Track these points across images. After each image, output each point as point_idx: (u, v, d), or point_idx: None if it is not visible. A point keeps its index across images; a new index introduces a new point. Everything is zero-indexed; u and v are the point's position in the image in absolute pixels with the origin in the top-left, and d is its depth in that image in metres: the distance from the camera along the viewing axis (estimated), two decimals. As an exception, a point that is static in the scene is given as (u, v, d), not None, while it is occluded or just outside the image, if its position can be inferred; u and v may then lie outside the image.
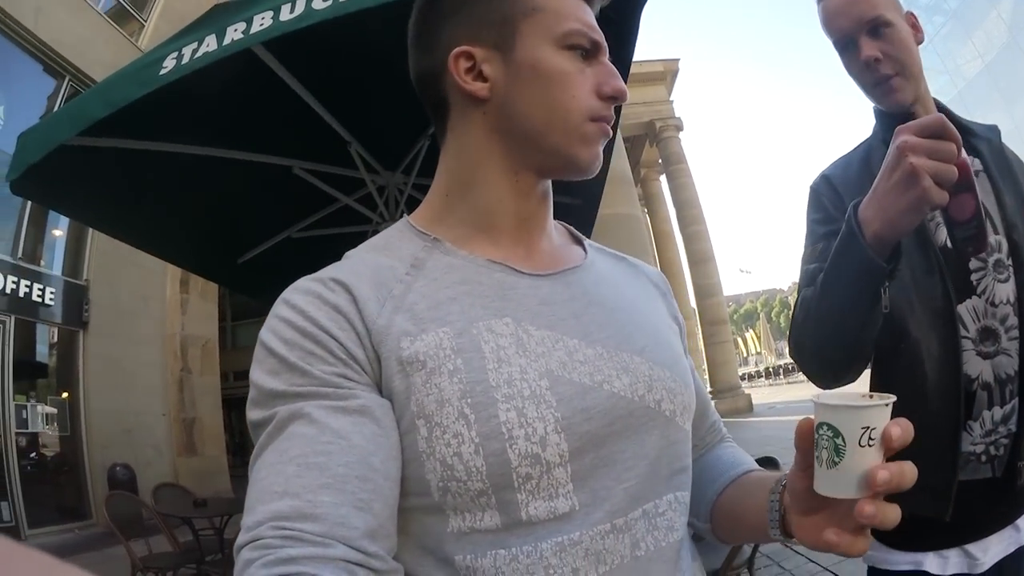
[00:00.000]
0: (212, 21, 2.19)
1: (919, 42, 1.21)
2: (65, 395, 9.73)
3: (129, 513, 5.09)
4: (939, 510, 1.11)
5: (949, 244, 1.12)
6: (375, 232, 0.78)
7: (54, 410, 9.52)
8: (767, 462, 2.83)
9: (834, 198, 1.22)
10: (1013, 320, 1.14)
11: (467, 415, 0.60)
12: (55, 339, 9.99)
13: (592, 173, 0.74)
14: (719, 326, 20.32)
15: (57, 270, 9.97)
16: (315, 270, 0.69)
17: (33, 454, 8.99)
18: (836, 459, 0.55)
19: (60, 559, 0.19)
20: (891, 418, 0.56)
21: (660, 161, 23.36)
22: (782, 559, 4.42)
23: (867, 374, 1.21)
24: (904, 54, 1.17)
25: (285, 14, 1.90)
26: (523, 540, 0.60)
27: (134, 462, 9.54)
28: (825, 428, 0.56)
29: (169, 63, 2.02)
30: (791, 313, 1.17)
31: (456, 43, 0.71)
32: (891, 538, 1.18)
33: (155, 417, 10.90)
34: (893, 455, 0.56)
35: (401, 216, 0.79)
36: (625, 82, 0.75)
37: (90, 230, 9.13)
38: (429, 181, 0.79)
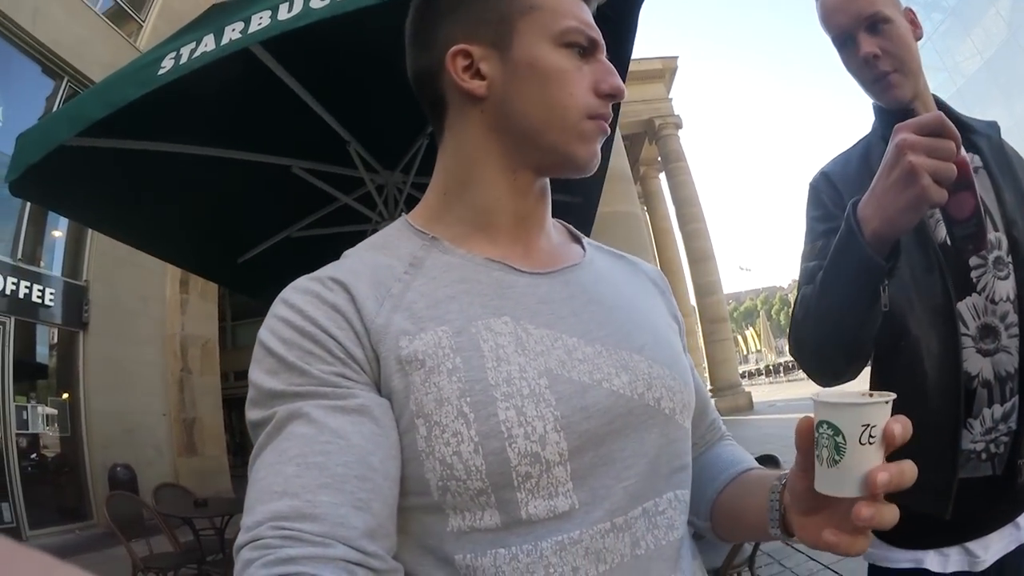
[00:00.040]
0: (210, 21, 2.19)
1: (918, 38, 1.21)
2: (65, 396, 9.73)
3: (130, 513, 5.09)
4: (939, 508, 1.10)
5: (949, 241, 1.12)
6: (374, 231, 0.78)
7: (54, 411, 9.52)
8: (767, 460, 2.83)
9: (833, 195, 1.22)
10: (1013, 317, 1.14)
11: (466, 414, 0.60)
12: (55, 340, 9.98)
13: (590, 171, 0.73)
14: (719, 324, 20.31)
15: (57, 271, 9.96)
16: (314, 269, 0.69)
17: (34, 455, 8.99)
18: (837, 457, 0.55)
19: (60, 559, 0.19)
20: (891, 416, 0.56)
21: (659, 159, 23.35)
22: (783, 557, 4.42)
23: (867, 372, 1.21)
24: (903, 50, 1.17)
25: (283, 13, 1.90)
26: (523, 539, 0.60)
27: (135, 462, 9.54)
28: (825, 427, 0.56)
29: (167, 63, 2.02)
30: (791, 311, 1.17)
31: (453, 41, 0.71)
32: (892, 536, 1.18)
33: (155, 417, 10.90)
34: (893, 452, 0.56)
35: (400, 215, 0.79)
36: (623, 81, 0.75)
37: (89, 231, 9.13)
38: (428, 180, 0.79)
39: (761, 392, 24.75)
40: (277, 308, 0.65)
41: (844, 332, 1.04)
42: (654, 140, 22.16)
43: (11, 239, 9.08)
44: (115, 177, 2.88)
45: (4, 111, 8.97)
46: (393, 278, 0.68)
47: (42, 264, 9.78)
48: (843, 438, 0.54)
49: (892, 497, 0.55)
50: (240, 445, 15.46)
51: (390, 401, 0.62)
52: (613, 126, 0.74)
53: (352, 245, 0.75)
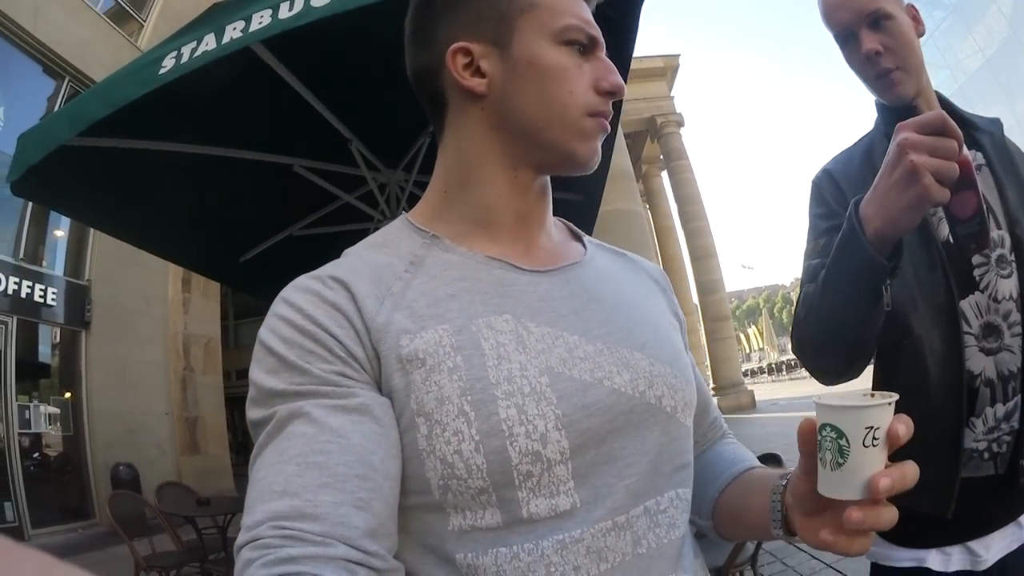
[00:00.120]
0: (211, 20, 2.19)
1: (920, 35, 1.20)
2: (68, 395, 9.75)
3: (132, 512, 5.09)
4: (941, 507, 1.10)
5: (951, 240, 1.12)
6: (376, 230, 0.78)
7: (57, 410, 9.54)
8: (770, 459, 2.83)
9: (836, 192, 1.22)
10: (1016, 316, 1.13)
11: (467, 413, 0.59)
12: (57, 339, 10.01)
13: (591, 169, 0.73)
14: (721, 322, 20.29)
15: (59, 270, 9.98)
16: (317, 268, 0.69)
17: (36, 454, 9.01)
18: (840, 460, 0.54)
19: (61, 559, 0.19)
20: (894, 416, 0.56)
21: (661, 157, 23.32)
22: (785, 556, 4.42)
23: (870, 370, 1.20)
24: (905, 47, 1.16)
25: (284, 12, 1.90)
26: (524, 538, 0.60)
27: (137, 461, 9.56)
28: (828, 430, 0.55)
29: (168, 62, 2.02)
30: (793, 309, 1.17)
31: (454, 39, 0.71)
32: (894, 535, 1.18)
33: (158, 416, 10.93)
34: (896, 451, 0.56)
35: (401, 213, 0.79)
36: (625, 81, 0.75)
37: (91, 230, 9.14)
38: (430, 178, 0.79)
39: (764, 390, 24.76)
40: (277, 307, 0.65)
41: (846, 331, 1.04)
42: (656, 138, 22.14)
43: (13, 239, 9.10)
44: (117, 177, 2.89)
45: (5, 111, 8.99)
46: (393, 276, 0.68)
47: (44, 264, 9.80)
48: (846, 441, 0.54)
49: (894, 496, 0.55)
50: (242, 444, 15.47)
51: (391, 400, 0.62)
52: (614, 124, 0.74)
53: (354, 244, 0.75)
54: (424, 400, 0.60)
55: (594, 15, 0.75)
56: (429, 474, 0.60)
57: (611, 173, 3.06)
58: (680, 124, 21.95)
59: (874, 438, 0.54)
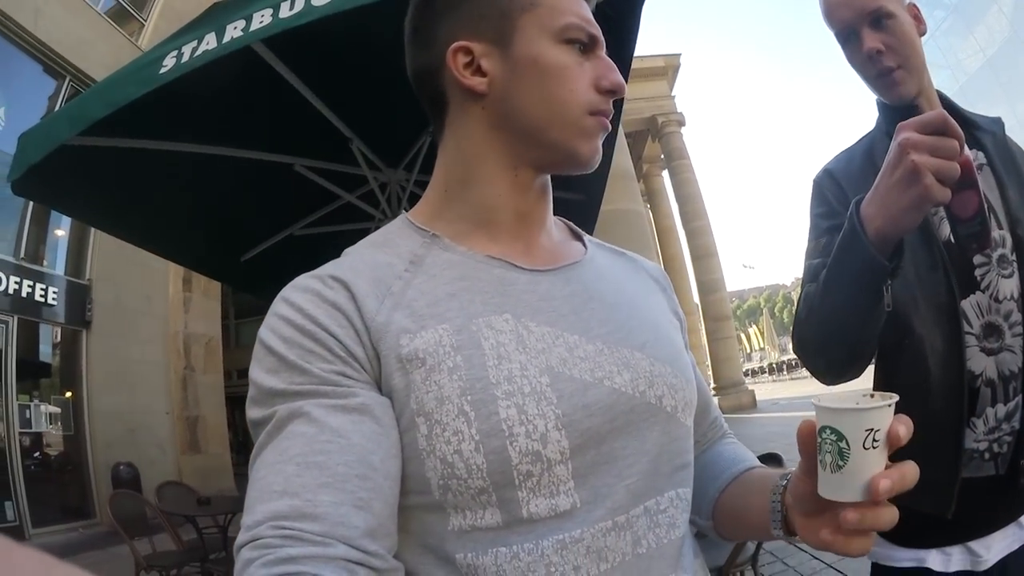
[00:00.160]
0: (211, 19, 2.19)
1: (922, 34, 1.20)
2: (68, 394, 9.76)
3: (133, 512, 5.10)
4: (942, 508, 1.10)
5: (952, 239, 1.12)
6: (377, 229, 0.78)
7: (57, 409, 9.55)
8: (771, 458, 2.83)
9: (837, 192, 1.22)
10: (1017, 316, 1.13)
11: (467, 412, 0.59)
12: (58, 339, 10.02)
13: (592, 167, 0.73)
14: (722, 322, 20.28)
15: (60, 270, 9.99)
16: (318, 267, 0.69)
17: (37, 454, 9.02)
18: (840, 463, 0.54)
19: (61, 558, 0.19)
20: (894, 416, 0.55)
21: (662, 156, 23.32)
22: (786, 555, 4.42)
23: (871, 369, 1.20)
24: (907, 46, 1.16)
25: (285, 11, 1.89)
26: (524, 538, 0.60)
27: (138, 461, 9.57)
28: (828, 432, 0.55)
29: (169, 62, 2.02)
30: (794, 309, 1.17)
31: (454, 38, 0.71)
32: (894, 535, 1.18)
33: (159, 416, 10.94)
34: (896, 451, 0.55)
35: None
36: (626, 80, 0.75)
37: (92, 229, 9.14)
38: (431, 178, 0.79)
39: (764, 390, 24.75)
40: (277, 306, 0.65)
41: (847, 331, 1.04)
42: (657, 138, 22.15)
43: (14, 238, 9.10)
44: (117, 176, 2.89)
45: (6, 111, 8.99)
46: (393, 276, 0.68)
47: (45, 263, 9.80)
48: (846, 443, 0.54)
49: (894, 496, 0.55)
50: (243, 443, 15.48)
51: (391, 400, 0.62)
52: (615, 123, 0.73)
53: (355, 243, 0.75)
54: (424, 400, 0.60)
55: (594, 14, 0.75)
56: (429, 474, 0.60)
57: (612, 173, 3.06)
58: (681, 123, 21.95)
59: (874, 440, 0.54)
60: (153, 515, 5.12)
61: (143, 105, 2.07)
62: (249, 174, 3.19)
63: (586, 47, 0.71)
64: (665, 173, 24.22)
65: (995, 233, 1.14)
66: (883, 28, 1.15)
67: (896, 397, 0.56)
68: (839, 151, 1.32)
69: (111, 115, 2.11)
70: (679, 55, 23.42)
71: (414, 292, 0.66)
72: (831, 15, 1.21)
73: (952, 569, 1.14)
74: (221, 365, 12.81)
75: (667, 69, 22.74)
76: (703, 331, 21.03)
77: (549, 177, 0.77)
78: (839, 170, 1.25)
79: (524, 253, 0.74)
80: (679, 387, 0.71)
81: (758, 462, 0.83)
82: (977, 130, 1.23)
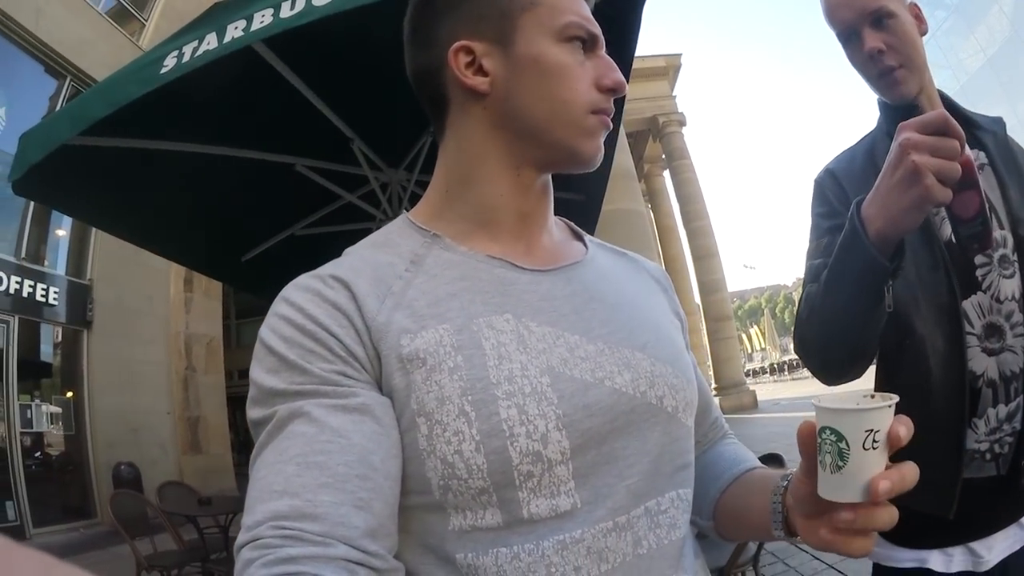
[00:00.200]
0: (212, 19, 2.19)
1: (923, 33, 1.20)
2: (69, 394, 9.77)
3: (134, 512, 5.10)
4: (943, 508, 1.10)
5: (954, 240, 1.11)
6: (378, 229, 0.78)
7: (58, 409, 9.56)
8: (772, 459, 2.83)
9: (838, 192, 1.21)
10: (1018, 316, 1.13)
11: (468, 412, 0.59)
12: (59, 339, 10.02)
13: (594, 166, 0.73)
14: (723, 322, 20.27)
15: (61, 270, 10.00)
16: (318, 267, 0.69)
17: (38, 453, 9.03)
18: (840, 463, 0.54)
19: (62, 558, 0.19)
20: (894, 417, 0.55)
21: (663, 156, 23.32)
22: (787, 556, 4.42)
23: (872, 370, 1.20)
24: (908, 46, 1.16)
25: (285, 11, 1.89)
26: (525, 538, 0.59)
27: (139, 461, 9.57)
28: (828, 432, 0.55)
29: (170, 62, 2.02)
30: (795, 309, 1.17)
31: (455, 38, 0.70)
32: (895, 535, 1.17)
33: (160, 416, 10.95)
34: (897, 451, 0.55)
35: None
36: (627, 80, 0.75)
37: (93, 229, 9.15)
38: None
39: (765, 390, 24.75)
40: (278, 306, 0.65)
41: (848, 332, 1.04)
42: (658, 137, 22.15)
43: (15, 238, 9.12)
44: (118, 176, 2.89)
45: (7, 111, 9.01)
46: (394, 276, 0.68)
47: (46, 263, 9.81)
48: (846, 444, 0.54)
49: (896, 497, 0.55)
50: (244, 443, 15.48)
51: (391, 400, 0.62)
52: (617, 122, 0.74)
53: (356, 243, 0.75)
54: (425, 400, 0.60)
55: (594, 14, 0.75)
56: (429, 474, 0.60)
57: (613, 173, 3.06)
58: (682, 123, 21.95)
59: (874, 441, 0.53)
60: (154, 515, 5.12)
61: (144, 105, 2.07)
62: (250, 174, 3.19)
63: (587, 46, 0.71)
64: (666, 173, 24.22)
65: (996, 233, 1.14)
66: (884, 28, 1.15)
67: (896, 398, 0.55)
68: (840, 151, 1.32)
69: (112, 115, 2.11)
70: (680, 55, 23.43)
71: (415, 292, 0.66)
72: (832, 15, 1.21)
73: (953, 570, 1.14)
74: (222, 365, 12.81)
75: (668, 69, 22.75)
76: (704, 331, 21.01)
77: (550, 177, 0.77)
78: (840, 170, 1.25)
79: (525, 253, 0.73)
80: (680, 387, 0.71)
81: (759, 463, 0.83)
82: (978, 130, 1.23)
